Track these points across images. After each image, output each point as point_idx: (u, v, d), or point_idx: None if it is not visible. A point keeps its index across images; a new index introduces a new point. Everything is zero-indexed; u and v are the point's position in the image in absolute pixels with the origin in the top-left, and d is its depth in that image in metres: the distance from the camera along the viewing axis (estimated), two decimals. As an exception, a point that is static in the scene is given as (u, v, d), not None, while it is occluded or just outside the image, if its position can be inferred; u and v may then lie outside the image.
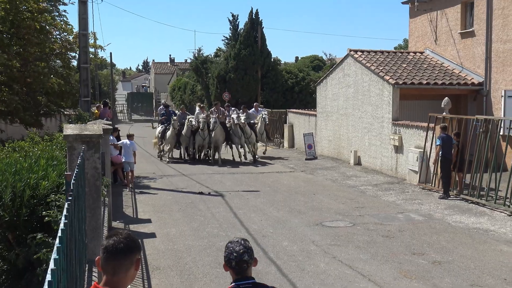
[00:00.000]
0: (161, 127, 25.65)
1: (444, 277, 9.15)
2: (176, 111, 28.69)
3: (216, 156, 24.78)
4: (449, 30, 23.47)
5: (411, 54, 24.99)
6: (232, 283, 3.94)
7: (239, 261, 3.92)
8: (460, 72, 22.49)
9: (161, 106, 29.20)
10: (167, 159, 25.27)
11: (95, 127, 8.23)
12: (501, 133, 16.48)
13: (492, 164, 15.13)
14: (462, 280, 8.97)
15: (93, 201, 7.65)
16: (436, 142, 16.01)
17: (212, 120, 23.79)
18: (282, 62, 51.38)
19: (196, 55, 45.25)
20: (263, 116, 26.26)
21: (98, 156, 7.77)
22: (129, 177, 17.83)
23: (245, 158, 25.34)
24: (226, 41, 42.02)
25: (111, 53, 57.26)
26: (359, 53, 23.97)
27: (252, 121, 25.93)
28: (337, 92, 25.47)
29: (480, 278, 9.07)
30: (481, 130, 15.66)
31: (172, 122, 24.45)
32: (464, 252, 10.60)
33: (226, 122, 25.13)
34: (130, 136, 18.44)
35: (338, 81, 25.46)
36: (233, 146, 25.69)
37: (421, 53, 25.02)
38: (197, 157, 25.73)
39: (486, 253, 10.53)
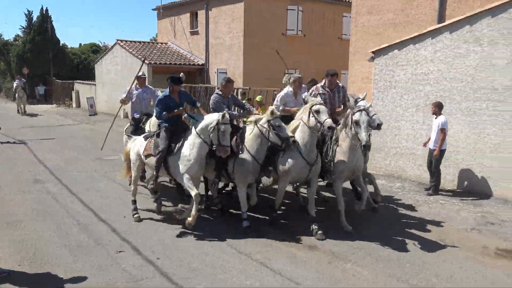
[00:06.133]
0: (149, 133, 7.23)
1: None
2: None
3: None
4: (183, 29, 23.73)
5: (159, 44, 24.83)
6: None
7: None
8: (191, 57, 23.05)
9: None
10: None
11: None
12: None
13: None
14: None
15: None
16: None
17: (364, 118, 5.91)
18: (69, 46, 46.58)
19: (-2, 39, 38.52)
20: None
21: None
22: None
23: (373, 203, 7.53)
24: (23, 29, 36.44)
25: None
26: (124, 42, 23.07)
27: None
28: (110, 68, 24.28)
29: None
30: (203, 93, 16.27)
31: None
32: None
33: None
34: None
35: (110, 61, 24.25)
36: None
37: (166, 43, 24.92)
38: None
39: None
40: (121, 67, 22.94)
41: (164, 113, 6.61)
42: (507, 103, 8.33)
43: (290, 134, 6.07)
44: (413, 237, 6.42)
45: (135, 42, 23.68)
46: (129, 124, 9.08)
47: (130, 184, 7.79)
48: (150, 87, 9.28)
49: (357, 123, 6.06)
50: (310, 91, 7.18)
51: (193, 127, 6.40)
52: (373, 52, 10.69)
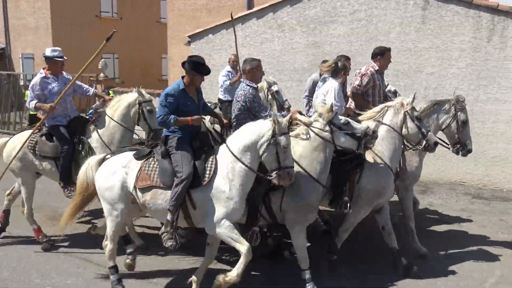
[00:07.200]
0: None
1: None
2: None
3: None
4: (-27, 7, 20.24)
5: None
6: None
7: None
8: (-15, 40, 19.88)
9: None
10: None
11: None
12: (21, 84, 15.49)
13: (16, 105, 14.16)
14: None
15: None
16: None
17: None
18: None
19: None
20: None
21: None
22: None
23: None
24: None
25: None
26: None
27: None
28: None
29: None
30: (5, 82, 14.37)
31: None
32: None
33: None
34: None
35: None
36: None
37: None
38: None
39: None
40: None
41: (172, 116, 4.04)
42: (305, 82, 9.51)
43: (363, 126, 4.26)
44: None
45: None
46: (38, 137, 5.27)
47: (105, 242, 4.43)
48: (67, 74, 5.60)
49: (465, 123, 4.86)
50: (360, 74, 5.30)
51: (224, 146, 4.01)
52: (189, 36, 10.92)
